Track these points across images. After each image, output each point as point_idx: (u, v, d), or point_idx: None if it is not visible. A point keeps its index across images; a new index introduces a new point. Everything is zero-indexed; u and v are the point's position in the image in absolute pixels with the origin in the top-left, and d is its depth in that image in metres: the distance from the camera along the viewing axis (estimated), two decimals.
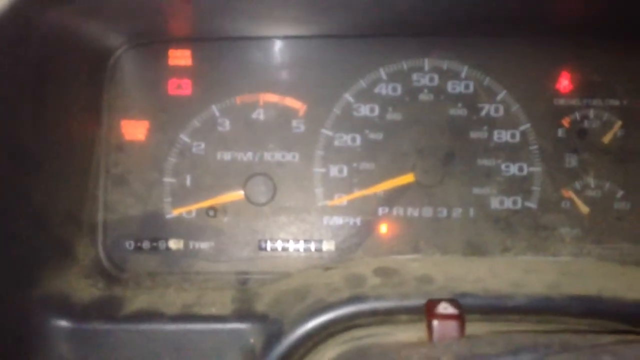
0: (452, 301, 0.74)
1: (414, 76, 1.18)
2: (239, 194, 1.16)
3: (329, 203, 1.17)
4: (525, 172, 1.17)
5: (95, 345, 0.89)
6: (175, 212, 1.16)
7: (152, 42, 1.17)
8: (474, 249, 1.15)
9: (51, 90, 0.97)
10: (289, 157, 1.17)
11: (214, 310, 0.93)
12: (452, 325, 0.71)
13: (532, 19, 1.12)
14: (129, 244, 1.14)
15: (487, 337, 0.66)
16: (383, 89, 1.18)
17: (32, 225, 0.94)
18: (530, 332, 0.71)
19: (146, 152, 1.16)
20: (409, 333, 0.80)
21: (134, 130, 1.16)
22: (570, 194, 1.17)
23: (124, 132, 1.16)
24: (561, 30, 1.17)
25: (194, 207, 1.16)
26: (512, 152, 1.17)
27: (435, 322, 0.72)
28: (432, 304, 0.74)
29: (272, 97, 1.18)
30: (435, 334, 0.71)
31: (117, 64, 1.16)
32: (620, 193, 1.17)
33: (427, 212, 1.16)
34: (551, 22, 1.14)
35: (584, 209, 1.16)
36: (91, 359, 0.88)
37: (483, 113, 1.18)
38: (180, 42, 1.18)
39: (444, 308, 0.73)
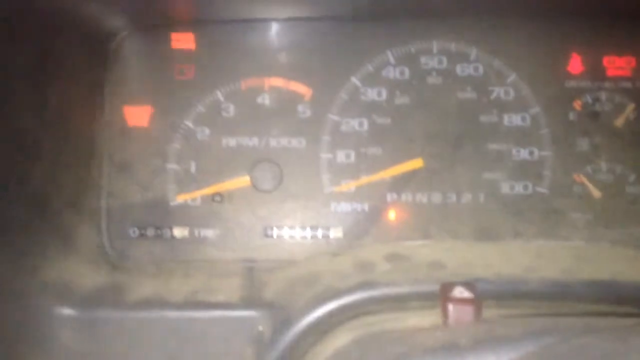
0: (468, 284, 0.72)
1: (422, 59, 1.16)
2: (245, 180, 1.14)
3: (336, 189, 1.14)
4: (536, 157, 1.15)
5: (98, 333, 0.87)
6: (179, 199, 1.13)
7: (154, 25, 1.14)
8: (485, 235, 1.12)
9: (52, 74, 0.95)
10: (295, 142, 1.15)
11: (221, 298, 0.91)
12: (468, 309, 0.69)
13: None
14: (133, 231, 1.12)
15: (505, 320, 0.64)
16: (391, 73, 1.16)
17: (33, 212, 0.92)
18: (549, 315, 0.69)
19: (149, 138, 1.14)
20: (421, 319, 0.78)
21: (137, 115, 1.14)
22: (582, 178, 1.15)
23: (127, 117, 1.14)
24: (572, 10, 1.14)
25: (198, 194, 1.13)
26: (523, 136, 1.15)
27: (450, 306, 0.69)
28: (446, 288, 0.72)
29: (277, 82, 1.15)
30: (451, 319, 0.69)
31: (119, 48, 1.13)
32: (632, 177, 1.14)
33: (437, 197, 1.14)
34: (562, 2, 1.11)
35: (596, 193, 1.14)
36: (95, 347, 0.86)
37: (493, 96, 1.15)
38: (183, 25, 1.15)
39: (460, 292, 0.71)
